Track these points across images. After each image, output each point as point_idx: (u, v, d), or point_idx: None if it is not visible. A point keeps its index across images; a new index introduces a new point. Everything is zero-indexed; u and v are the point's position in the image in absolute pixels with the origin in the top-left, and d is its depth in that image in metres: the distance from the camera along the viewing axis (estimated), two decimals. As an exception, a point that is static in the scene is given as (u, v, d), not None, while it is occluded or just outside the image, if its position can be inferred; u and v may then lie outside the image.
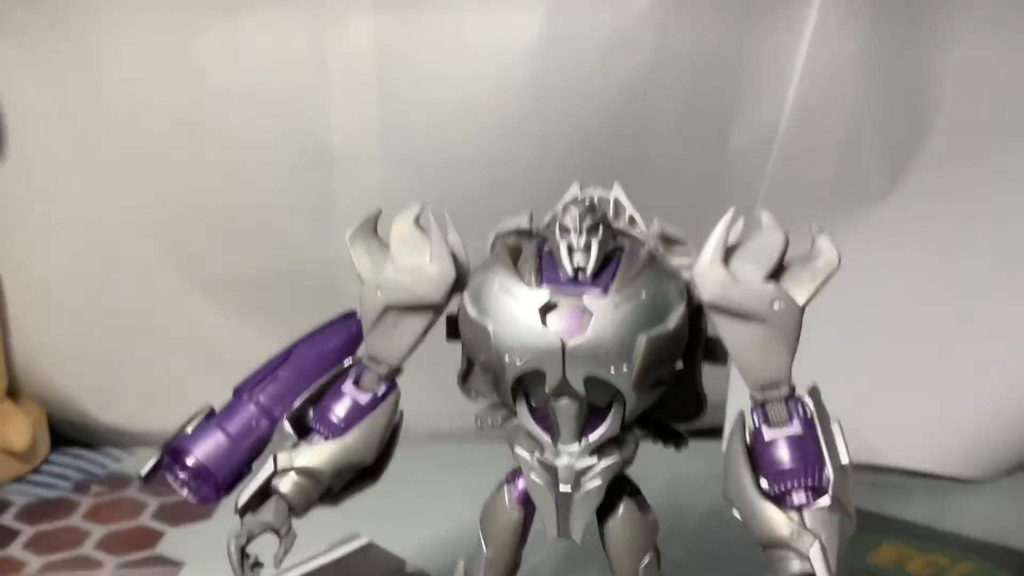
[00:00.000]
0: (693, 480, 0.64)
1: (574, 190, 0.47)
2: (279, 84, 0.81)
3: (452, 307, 0.45)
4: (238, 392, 0.49)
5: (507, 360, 0.40)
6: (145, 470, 0.48)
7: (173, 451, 0.47)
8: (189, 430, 0.48)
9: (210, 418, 0.48)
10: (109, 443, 0.93)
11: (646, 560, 0.45)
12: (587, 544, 0.44)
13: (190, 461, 0.47)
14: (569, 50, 0.79)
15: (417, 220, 0.46)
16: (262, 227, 0.85)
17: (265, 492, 0.45)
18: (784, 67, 0.82)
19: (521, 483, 0.45)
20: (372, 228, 0.47)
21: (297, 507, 0.45)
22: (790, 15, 0.80)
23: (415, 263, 0.45)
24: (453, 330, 0.45)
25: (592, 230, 0.41)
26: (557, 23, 0.78)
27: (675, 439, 0.47)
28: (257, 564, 0.44)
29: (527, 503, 0.45)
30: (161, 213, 0.86)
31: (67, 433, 0.95)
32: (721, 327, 0.42)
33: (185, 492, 0.47)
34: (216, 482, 0.47)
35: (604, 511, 0.45)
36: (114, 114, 0.82)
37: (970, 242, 0.85)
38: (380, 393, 0.46)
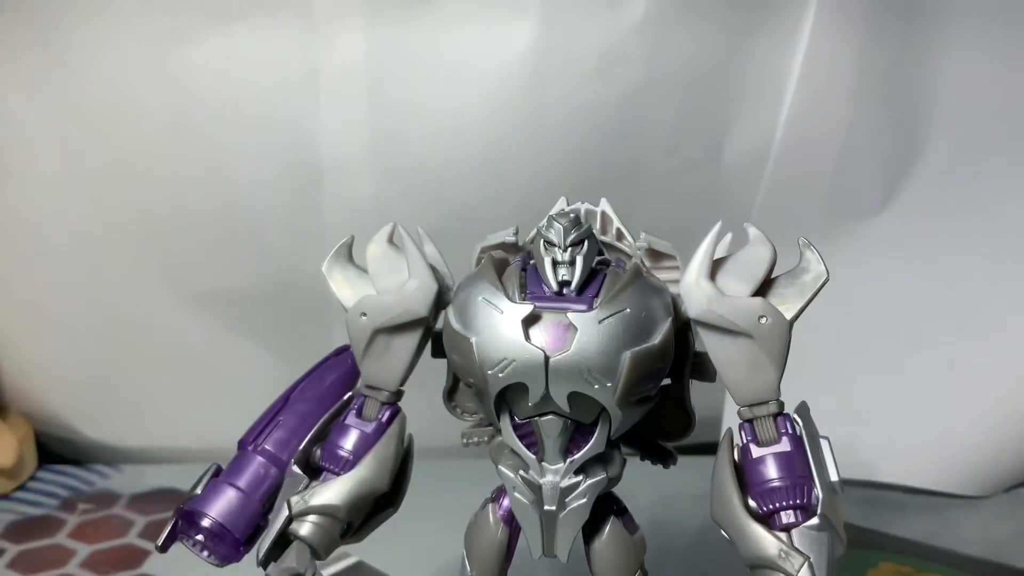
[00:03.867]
0: (685, 497, 0.63)
1: (561, 204, 0.47)
2: (270, 96, 0.80)
3: (440, 324, 0.44)
4: (243, 444, 0.48)
5: (489, 373, 0.40)
6: (161, 539, 0.46)
7: (186, 515, 0.46)
8: (199, 491, 0.46)
9: (218, 475, 0.47)
10: (97, 460, 0.92)
11: (633, 580, 0.44)
12: (573, 563, 0.43)
13: (205, 522, 0.45)
14: (561, 62, 0.79)
15: (391, 239, 0.46)
16: (252, 241, 0.84)
17: (285, 539, 0.44)
18: (779, 80, 0.81)
19: (506, 501, 0.45)
20: (347, 255, 0.47)
21: (319, 548, 0.44)
22: (785, 27, 0.80)
23: (395, 281, 0.45)
24: (438, 347, 0.45)
25: (577, 244, 0.41)
26: (549, 35, 0.78)
27: (663, 457, 0.46)
28: None
29: (512, 522, 0.45)
30: (150, 227, 0.85)
31: (55, 449, 0.94)
32: (708, 343, 0.42)
33: (205, 555, 0.46)
34: (234, 539, 0.45)
35: (590, 530, 0.44)
36: (103, 127, 0.81)
37: (968, 256, 0.85)
38: (384, 419, 0.45)
